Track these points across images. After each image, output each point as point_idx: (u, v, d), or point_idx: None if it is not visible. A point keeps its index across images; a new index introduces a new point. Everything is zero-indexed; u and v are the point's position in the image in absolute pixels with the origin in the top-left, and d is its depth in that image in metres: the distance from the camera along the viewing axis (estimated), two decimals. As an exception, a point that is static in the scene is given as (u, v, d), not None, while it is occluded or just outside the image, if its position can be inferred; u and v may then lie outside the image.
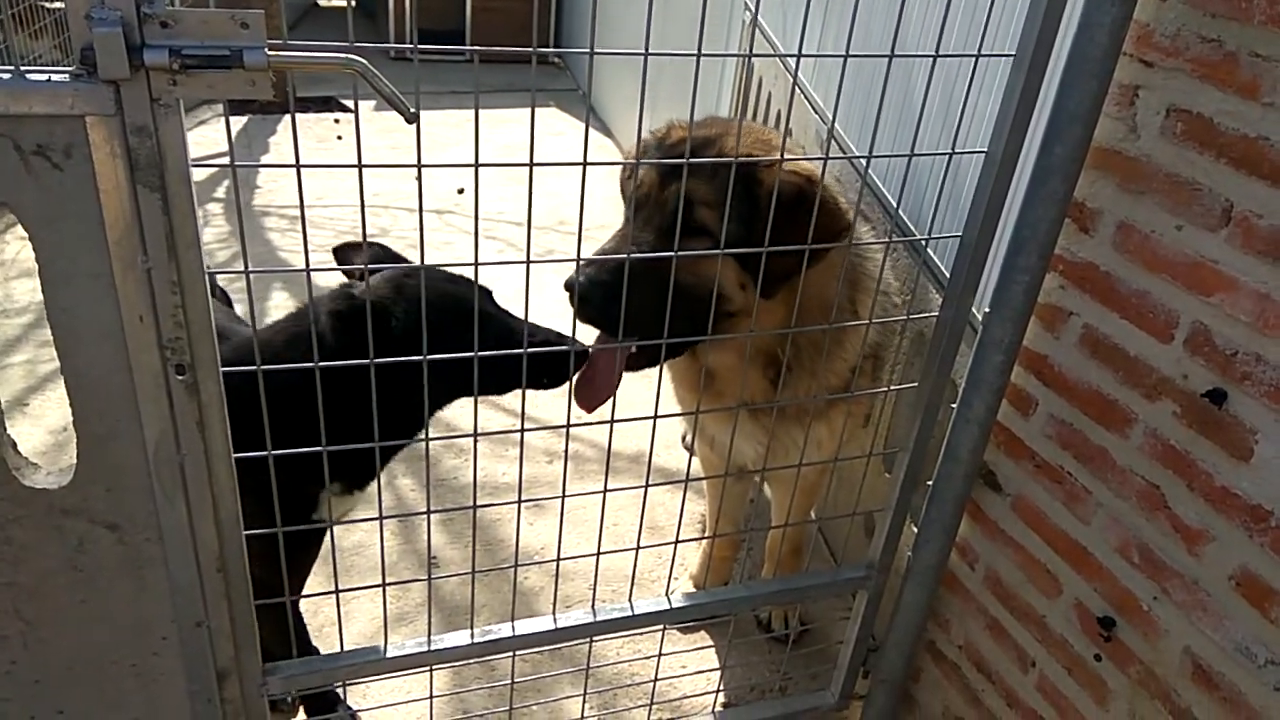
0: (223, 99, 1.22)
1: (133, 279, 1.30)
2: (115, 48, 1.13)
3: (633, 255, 1.69)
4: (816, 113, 3.30)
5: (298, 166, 1.31)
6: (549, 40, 10.13)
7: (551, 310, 1.84)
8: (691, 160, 1.75)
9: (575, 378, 1.90)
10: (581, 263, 1.79)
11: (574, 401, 1.92)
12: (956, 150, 1.68)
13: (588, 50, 1.35)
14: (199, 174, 1.23)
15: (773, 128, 2.10)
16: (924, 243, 2.16)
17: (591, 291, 1.77)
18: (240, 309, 4.37)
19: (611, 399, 1.90)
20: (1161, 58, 1.51)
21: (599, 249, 1.88)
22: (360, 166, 1.33)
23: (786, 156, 1.85)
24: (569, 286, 1.79)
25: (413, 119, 1.25)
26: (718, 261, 1.81)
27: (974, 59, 1.61)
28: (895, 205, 2.09)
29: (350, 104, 7.74)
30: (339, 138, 7.16)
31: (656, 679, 2.23)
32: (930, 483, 2.01)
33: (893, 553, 2.13)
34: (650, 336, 1.80)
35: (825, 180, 1.79)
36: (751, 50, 3.29)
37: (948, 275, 1.82)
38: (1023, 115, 1.58)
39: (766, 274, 1.75)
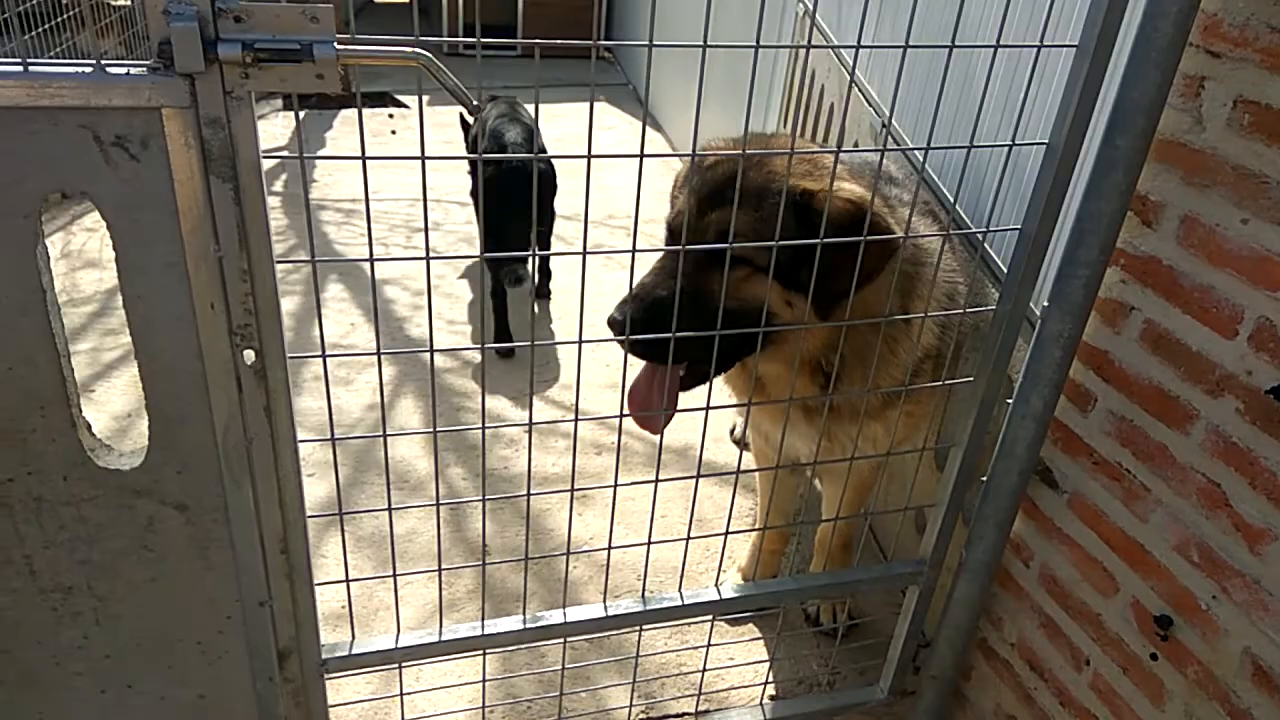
0: (293, 92, 1.26)
1: (205, 267, 1.34)
2: (191, 42, 1.17)
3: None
4: (871, 106, 3.28)
5: (363, 158, 1.34)
6: (600, 35, 10.15)
7: (603, 303, 1.86)
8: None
9: (633, 401, 1.95)
10: (622, 300, 1.84)
11: (640, 425, 1.97)
12: (1017, 142, 1.66)
13: (646, 43, 1.36)
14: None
15: (809, 139, 2.07)
16: (982, 236, 2.14)
17: (634, 329, 1.79)
18: (298, 300, 4.45)
19: (673, 416, 1.93)
20: (1229, 48, 1.49)
21: (639, 282, 1.88)
22: (424, 158, 1.35)
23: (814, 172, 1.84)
24: (612, 324, 1.82)
25: (477, 111, 1.27)
26: (762, 282, 1.83)
27: (1036, 49, 1.59)
28: (953, 199, 2.07)
29: (403, 99, 7.84)
30: (393, 132, 7.25)
31: (705, 670, 2.24)
32: (985, 479, 1.99)
33: (945, 548, 2.12)
34: (697, 359, 1.86)
35: (875, 202, 1.80)
36: (809, 41, 3.27)
37: (1005, 270, 1.81)
38: (1085, 106, 1.57)
39: (821, 297, 1.78)
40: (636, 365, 1.95)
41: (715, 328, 1.72)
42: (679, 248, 1.67)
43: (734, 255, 1.79)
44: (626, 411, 1.86)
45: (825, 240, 1.66)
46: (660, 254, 1.99)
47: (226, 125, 1.26)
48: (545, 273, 4.75)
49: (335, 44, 1.22)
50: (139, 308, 1.36)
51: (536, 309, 4.48)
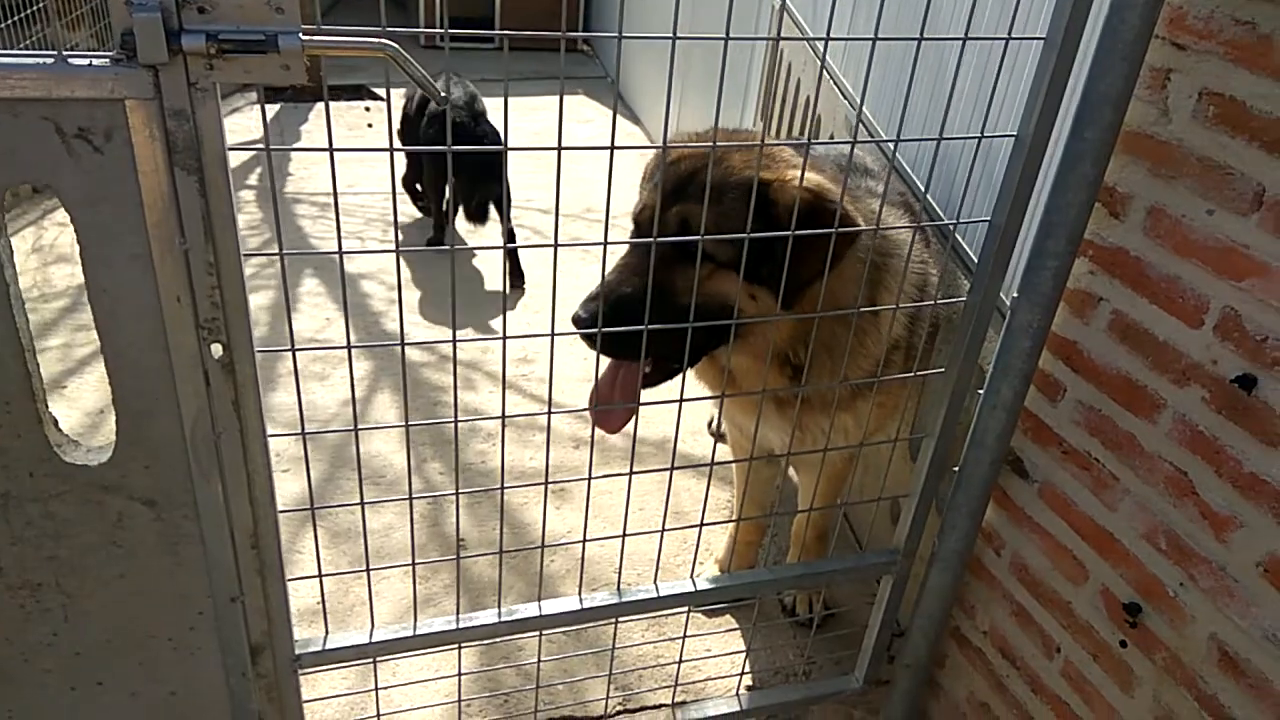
0: (258, 83, 1.24)
1: (170, 260, 1.33)
2: (154, 33, 1.16)
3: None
4: (845, 98, 3.29)
5: (330, 150, 1.33)
6: (578, 27, 10.12)
7: (579, 296, 1.85)
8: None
9: (593, 401, 1.95)
10: (587, 296, 1.85)
11: (596, 424, 1.95)
12: (986, 134, 1.67)
13: (616, 35, 1.36)
14: (233, 160, 1.25)
15: (771, 133, 2.07)
16: (953, 227, 2.15)
17: (593, 327, 1.77)
18: (271, 295, 4.42)
19: (633, 414, 1.93)
20: (1194, 40, 1.50)
21: (604, 279, 1.86)
22: (391, 150, 1.35)
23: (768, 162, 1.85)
24: (577, 321, 1.82)
25: (444, 103, 1.26)
26: (726, 279, 1.85)
27: (1005, 41, 1.60)
28: (924, 191, 2.08)
29: (380, 92, 7.78)
30: (369, 125, 7.21)
31: (681, 661, 2.25)
32: (957, 469, 2.01)
33: (918, 538, 2.13)
34: (663, 355, 1.87)
35: (832, 190, 1.82)
36: (780, 34, 3.28)
37: (977, 261, 1.82)
38: (1053, 98, 1.58)
39: (784, 285, 1.78)
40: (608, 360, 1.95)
41: (681, 324, 1.73)
42: (644, 240, 1.67)
43: (696, 251, 1.79)
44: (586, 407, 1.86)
45: (785, 234, 1.66)
46: (625, 249, 1.99)
47: (191, 117, 1.25)
48: (513, 255, 4.87)
49: (301, 35, 1.21)
50: (104, 301, 1.35)
51: (509, 295, 4.52)
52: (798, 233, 1.64)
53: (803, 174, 1.72)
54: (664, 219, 1.90)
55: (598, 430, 1.95)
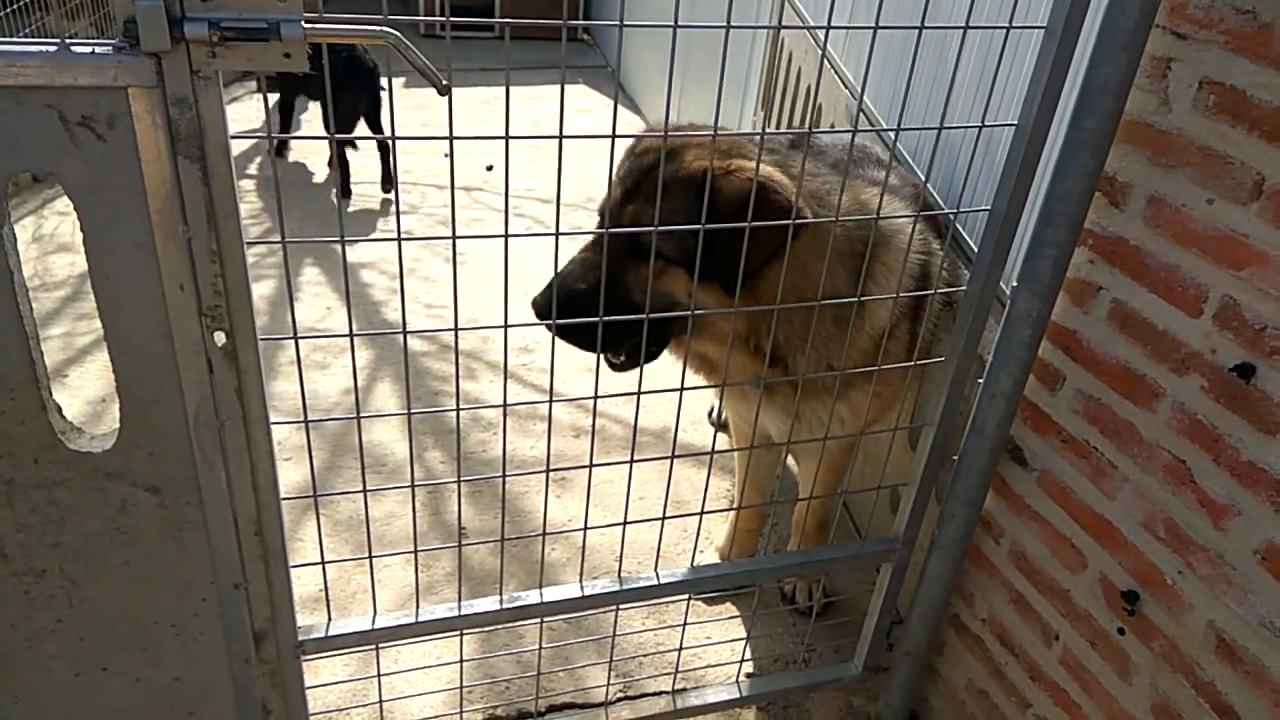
0: (260, 71, 1.25)
1: (173, 248, 1.33)
2: (157, 20, 1.16)
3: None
4: (846, 87, 3.29)
5: (332, 139, 1.33)
6: (579, 16, 10.10)
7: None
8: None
9: None
10: (546, 284, 1.92)
11: None
12: (987, 123, 1.67)
13: (617, 23, 1.36)
14: (233, 149, 1.26)
15: (735, 138, 2.07)
16: (954, 216, 2.15)
17: (545, 315, 1.88)
18: (272, 284, 4.42)
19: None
20: (1195, 29, 1.50)
21: (561, 269, 1.92)
22: (395, 139, 1.35)
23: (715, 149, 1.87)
24: (535, 305, 1.91)
25: (445, 91, 1.27)
26: (675, 277, 1.88)
27: (1005, 30, 1.60)
28: (925, 180, 2.08)
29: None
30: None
31: (681, 649, 2.26)
32: (956, 457, 2.02)
33: (918, 527, 2.14)
34: (621, 346, 1.97)
35: (776, 177, 1.83)
36: (781, 22, 3.27)
37: (977, 250, 1.82)
38: (1054, 87, 1.58)
39: (725, 275, 1.80)
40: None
41: (635, 319, 1.76)
42: (600, 232, 1.69)
43: (648, 249, 1.83)
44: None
45: (720, 226, 1.67)
46: (585, 242, 2.00)
47: (194, 105, 1.25)
48: (385, 161, 5.75)
49: (303, 22, 1.21)
50: (107, 289, 1.35)
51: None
52: (741, 225, 1.62)
53: (757, 165, 1.72)
54: (619, 216, 1.93)
55: (597, 420, 1.96)
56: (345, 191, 5.51)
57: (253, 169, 6.00)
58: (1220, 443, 1.54)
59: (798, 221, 1.75)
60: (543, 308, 1.89)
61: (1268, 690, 1.49)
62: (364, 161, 6.10)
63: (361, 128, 5.56)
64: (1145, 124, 1.60)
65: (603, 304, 1.65)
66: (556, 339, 1.80)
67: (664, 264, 1.88)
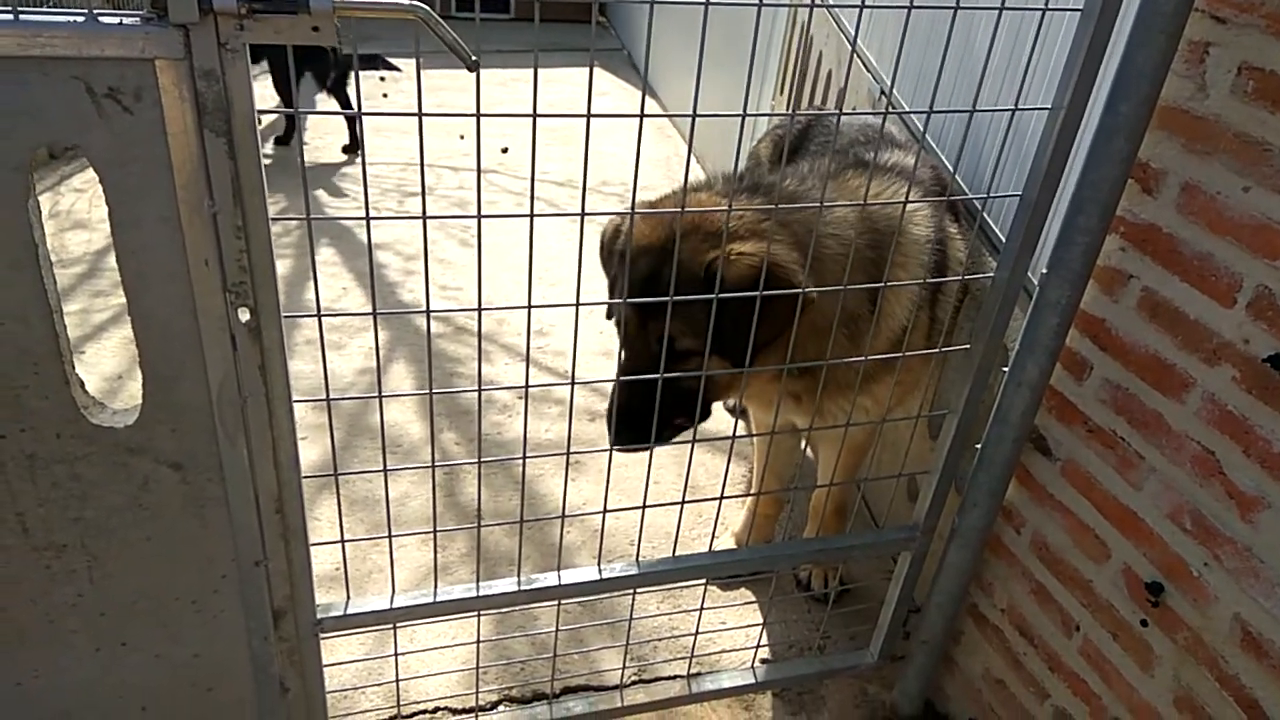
0: (289, 44, 1.23)
1: (199, 223, 1.33)
2: (186, -8, 1.15)
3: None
4: (869, 71, 3.26)
5: (359, 115, 1.32)
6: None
7: (596, 270, 1.85)
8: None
9: None
10: (606, 418, 2.06)
11: None
12: (1021, 106, 1.65)
13: (646, 0, 1.34)
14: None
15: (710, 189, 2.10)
16: (982, 204, 2.13)
17: (626, 442, 2.01)
18: (289, 264, 4.42)
19: None
20: (1235, 14, 1.47)
21: (615, 398, 2.03)
22: (420, 115, 1.34)
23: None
24: (613, 445, 2.02)
25: (474, 66, 1.25)
26: (711, 364, 1.91)
27: (1040, 12, 1.57)
28: (954, 168, 2.06)
29: (394, 62, 7.75)
30: (384, 95, 7.18)
31: (696, 633, 2.25)
32: (979, 446, 2.00)
33: (938, 515, 2.13)
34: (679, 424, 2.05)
35: (780, 255, 1.84)
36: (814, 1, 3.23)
37: (1004, 239, 1.80)
38: (1089, 70, 1.55)
39: (738, 352, 1.82)
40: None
41: (691, 405, 1.93)
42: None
43: (681, 351, 1.91)
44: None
45: (735, 294, 1.72)
46: (621, 360, 2.04)
47: (221, 78, 1.24)
48: (350, 125, 6.06)
49: (332, -5, 1.19)
50: (132, 263, 1.35)
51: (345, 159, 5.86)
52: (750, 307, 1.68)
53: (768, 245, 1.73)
54: (645, 338, 1.98)
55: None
56: (285, 137, 6.09)
57: (267, 148, 6.00)
58: (1251, 434, 1.52)
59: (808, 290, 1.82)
60: (622, 441, 2.02)
61: (1294, 684, 1.48)
62: (374, 142, 6.09)
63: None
64: (1181, 109, 1.58)
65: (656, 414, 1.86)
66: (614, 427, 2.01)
67: (698, 361, 1.91)
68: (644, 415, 1.90)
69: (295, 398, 1.56)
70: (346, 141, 5.96)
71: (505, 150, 6.24)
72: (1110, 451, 1.80)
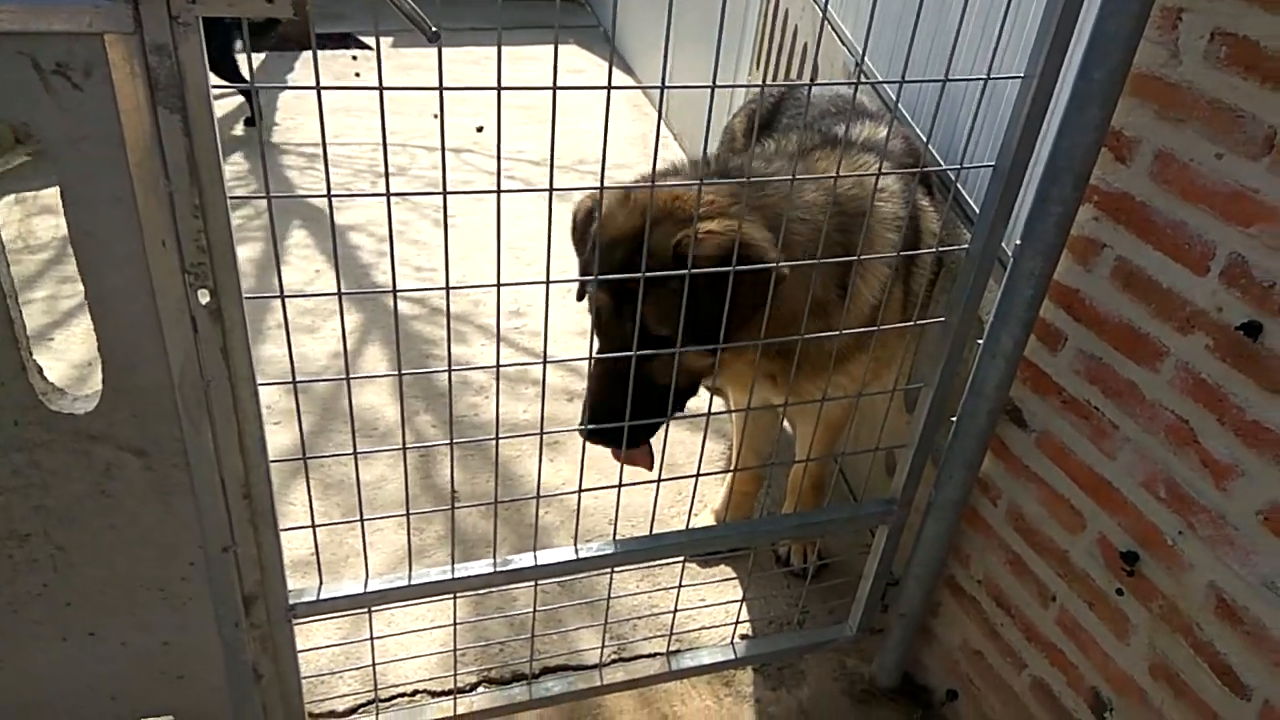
0: (242, 16, 1.20)
1: (154, 202, 1.29)
2: (132, -38, 1.11)
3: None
4: (844, 44, 3.23)
5: (318, 88, 1.28)
6: (567, -25, 9.93)
7: (566, 248, 1.82)
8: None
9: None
10: (582, 411, 2.03)
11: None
12: (994, 75, 1.63)
13: (613, -31, 1.31)
14: (218, 109, 1.22)
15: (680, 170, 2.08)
16: (955, 175, 2.11)
17: (602, 435, 1.99)
18: (259, 246, 4.36)
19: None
20: (1207, -22, 1.46)
21: (591, 392, 2.00)
22: (381, 89, 1.30)
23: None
24: (586, 436, 1.99)
25: (435, 39, 1.22)
26: (693, 355, 1.92)
27: (1011, -20, 1.55)
28: (927, 139, 2.04)
29: (367, 41, 7.65)
30: (356, 75, 7.09)
31: (675, 611, 2.25)
32: (954, 419, 1.99)
33: (914, 488, 2.12)
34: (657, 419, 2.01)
35: (751, 234, 1.82)
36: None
37: (978, 209, 1.79)
38: (1061, 38, 1.54)
39: (707, 334, 1.83)
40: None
41: (666, 400, 1.95)
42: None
43: (656, 338, 1.87)
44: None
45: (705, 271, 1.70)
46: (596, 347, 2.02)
47: (173, 52, 1.20)
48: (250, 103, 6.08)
49: (286, -35, 1.16)
50: (87, 245, 1.31)
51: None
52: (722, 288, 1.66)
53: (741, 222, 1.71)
54: (619, 325, 1.94)
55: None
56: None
57: (237, 129, 5.91)
58: (1225, 402, 1.51)
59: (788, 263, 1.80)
60: (595, 434, 2.00)
61: (1268, 650, 1.48)
62: (346, 122, 6.01)
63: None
64: (1154, 76, 1.56)
65: (631, 409, 1.80)
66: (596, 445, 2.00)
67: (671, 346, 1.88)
68: (618, 410, 1.87)
69: (261, 381, 1.53)
70: (310, 122, 5.84)
71: (480, 129, 6.17)
72: (1085, 422, 1.79)
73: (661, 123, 1.44)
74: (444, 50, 1.28)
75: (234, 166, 5.34)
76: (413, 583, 1.82)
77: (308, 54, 7.39)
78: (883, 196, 2.08)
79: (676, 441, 3.23)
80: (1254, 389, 1.46)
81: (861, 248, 1.91)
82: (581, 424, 2.01)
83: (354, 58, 7.39)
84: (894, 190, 2.13)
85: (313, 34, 1.36)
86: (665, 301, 1.82)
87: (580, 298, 2.17)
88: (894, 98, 1.89)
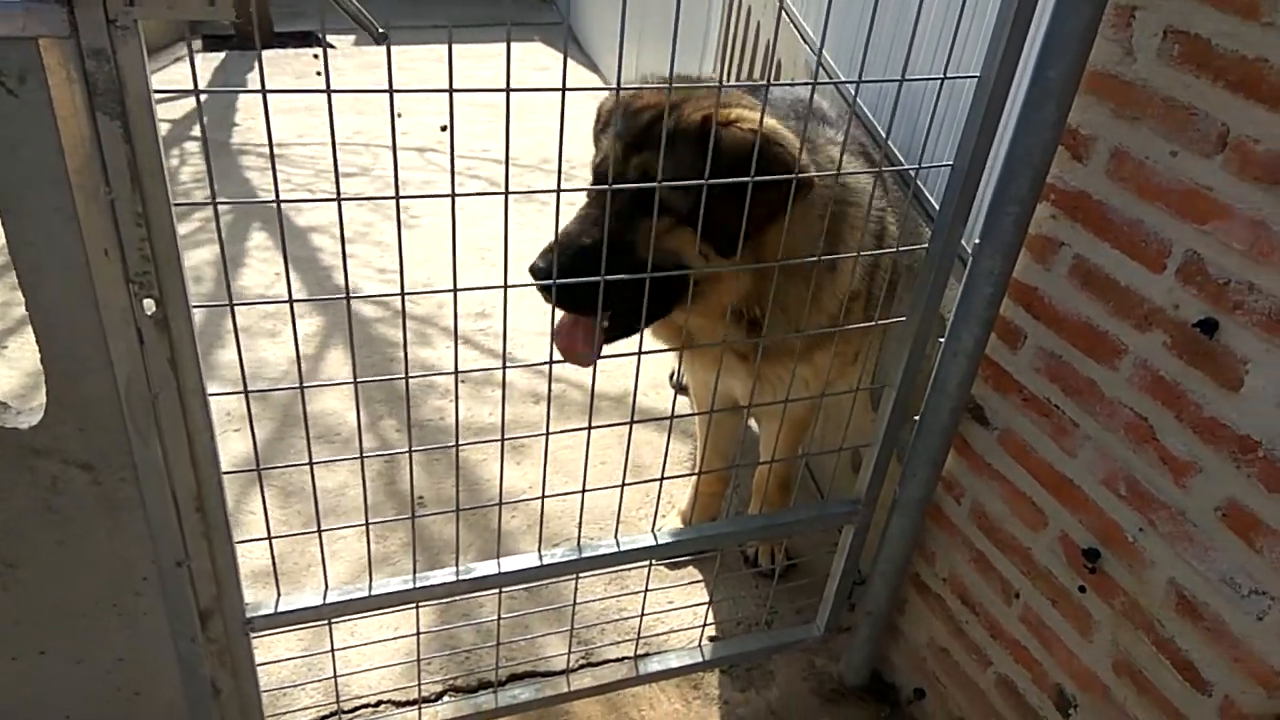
0: (182, 19, 1.17)
1: (95, 211, 1.25)
2: (64, -36, 1.08)
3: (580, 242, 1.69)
4: (806, 42, 3.23)
5: (264, 92, 1.26)
6: (532, -27, 9.89)
7: (532, 250, 1.79)
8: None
9: (557, 343, 1.90)
10: (545, 248, 1.79)
11: (565, 360, 1.91)
12: (949, 75, 1.63)
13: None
14: (176, 111, 1.19)
15: (743, 92, 2.03)
16: (915, 173, 2.11)
17: (566, 294, 1.73)
18: (217, 249, 4.30)
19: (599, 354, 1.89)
20: (1160, -23, 1.46)
21: (562, 229, 1.81)
22: (329, 91, 1.28)
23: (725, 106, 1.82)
24: (534, 272, 1.77)
25: (382, 39, 1.20)
26: (683, 236, 1.80)
27: (967, -21, 1.55)
28: (886, 136, 2.04)
29: (330, 39, 7.57)
30: (318, 74, 7.01)
31: (643, 615, 2.23)
32: (917, 417, 1.99)
33: (879, 487, 2.12)
34: (621, 310, 1.79)
35: (781, 131, 1.77)
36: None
37: (939, 207, 1.79)
38: (1016, 37, 1.53)
39: (724, 233, 1.73)
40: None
41: (636, 288, 1.67)
42: (603, 188, 1.61)
43: (656, 204, 1.73)
44: (556, 357, 1.82)
45: (727, 159, 1.62)
46: (585, 199, 1.93)
47: (112, 57, 1.17)
48: None
49: (226, -34, 1.13)
50: (27, 255, 1.27)
51: None
52: (756, 179, 1.59)
53: (761, 117, 1.67)
54: (624, 171, 1.85)
55: (556, 385, 1.91)
56: None
57: (197, 130, 5.82)
58: (1183, 399, 1.52)
59: (809, 175, 1.71)
60: (543, 271, 1.76)
61: (1227, 646, 1.49)
62: (308, 122, 5.94)
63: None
64: (1109, 74, 1.57)
65: (605, 264, 1.58)
66: (555, 305, 1.73)
67: (671, 221, 1.80)
68: (586, 272, 1.66)
69: (216, 390, 1.50)
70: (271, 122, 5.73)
71: (444, 128, 6.13)
72: (1045, 420, 1.80)
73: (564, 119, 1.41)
74: (409, 48, 1.25)
75: (193, 168, 5.26)
76: (373, 593, 1.79)
77: (267, 53, 7.30)
78: (859, 187, 2.08)
79: (645, 441, 3.22)
80: (1211, 386, 1.47)
81: (848, 225, 1.91)
82: (538, 266, 1.78)
83: (315, 56, 7.31)
84: (866, 187, 2.13)
85: (258, 39, 1.33)
86: (680, 163, 1.76)
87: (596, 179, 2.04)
88: (853, 96, 1.88)
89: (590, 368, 1.83)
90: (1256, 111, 1.35)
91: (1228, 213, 1.41)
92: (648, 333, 2.09)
